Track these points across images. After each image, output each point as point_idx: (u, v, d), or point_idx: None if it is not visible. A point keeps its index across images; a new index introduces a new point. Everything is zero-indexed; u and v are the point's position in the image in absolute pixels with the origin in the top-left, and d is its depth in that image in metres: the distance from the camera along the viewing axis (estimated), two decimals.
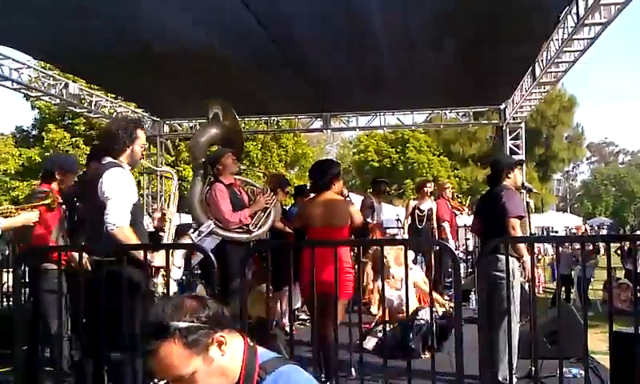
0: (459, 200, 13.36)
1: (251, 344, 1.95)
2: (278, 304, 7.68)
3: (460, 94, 10.67)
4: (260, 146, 29.55)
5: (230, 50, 7.56)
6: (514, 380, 4.93)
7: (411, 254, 6.38)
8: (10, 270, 6.86)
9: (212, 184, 6.35)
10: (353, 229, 5.23)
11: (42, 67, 10.73)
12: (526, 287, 6.05)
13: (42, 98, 11.05)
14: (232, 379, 1.86)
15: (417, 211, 9.76)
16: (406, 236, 9.74)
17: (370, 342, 6.27)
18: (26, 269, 5.00)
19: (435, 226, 9.87)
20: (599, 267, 16.69)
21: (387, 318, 6.47)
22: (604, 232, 36.83)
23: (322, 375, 5.05)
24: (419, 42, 7.49)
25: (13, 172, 24.78)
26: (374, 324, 6.92)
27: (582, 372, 4.44)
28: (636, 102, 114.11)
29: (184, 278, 6.08)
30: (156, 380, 1.87)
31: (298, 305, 7.60)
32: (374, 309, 8.00)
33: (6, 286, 7.90)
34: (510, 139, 11.59)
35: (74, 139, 24.50)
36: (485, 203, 5.76)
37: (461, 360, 3.75)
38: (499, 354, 5.10)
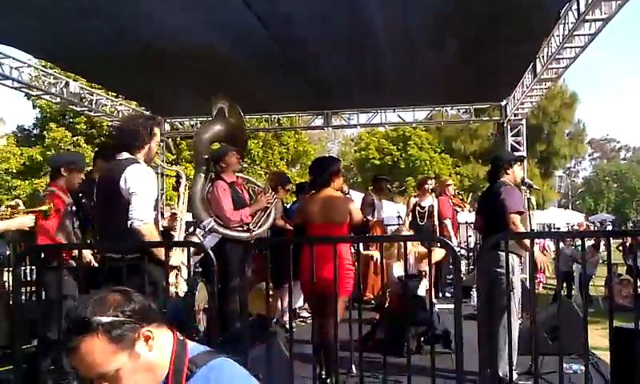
0: (460, 197, 13.36)
1: (181, 338, 1.89)
2: (279, 301, 7.69)
3: (461, 92, 10.65)
4: (261, 143, 29.54)
5: (230, 49, 7.56)
6: (515, 376, 4.93)
7: None
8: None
9: (214, 181, 6.37)
10: (352, 226, 5.24)
11: (43, 66, 10.72)
12: (527, 284, 6.06)
13: (42, 96, 11.04)
14: (160, 375, 1.80)
15: (417, 208, 9.77)
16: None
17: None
18: (28, 268, 5.02)
19: (437, 223, 9.89)
20: (600, 264, 16.70)
21: (388, 300, 6.45)
22: (609, 228, 36.78)
23: (323, 372, 5.07)
24: (419, 39, 7.47)
25: (14, 171, 24.81)
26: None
27: (583, 368, 4.43)
28: (637, 98, 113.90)
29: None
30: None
31: (300, 303, 7.61)
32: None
33: (7, 285, 7.91)
34: (511, 136, 11.56)
35: (75, 138, 24.52)
36: (485, 200, 5.77)
37: (461, 356, 3.75)
38: (499, 350, 5.11)
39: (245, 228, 6.23)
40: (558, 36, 7.49)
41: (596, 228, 33.08)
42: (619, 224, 50.87)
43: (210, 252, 4.11)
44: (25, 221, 4.57)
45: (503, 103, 11.58)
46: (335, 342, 4.65)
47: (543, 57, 8.45)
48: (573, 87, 47.11)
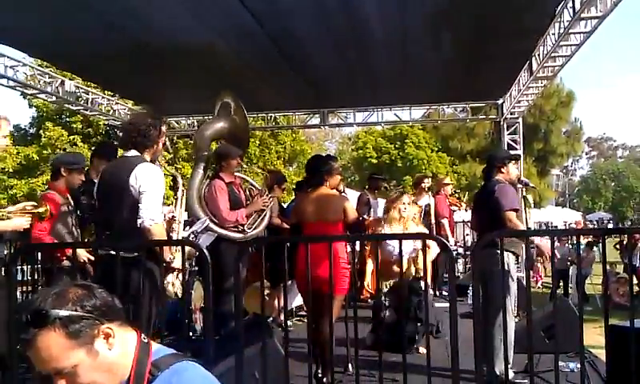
0: (457, 196, 13.37)
1: (145, 340, 1.82)
2: (276, 301, 7.67)
3: (457, 90, 10.65)
4: (258, 142, 29.51)
5: (227, 48, 7.54)
6: (511, 374, 4.93)
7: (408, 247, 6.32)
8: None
9: (212, 180, 6.36)
10: (348, 224, 5.22)
11: (39, 65, 10.70)
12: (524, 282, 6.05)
13: (38, 96, 11.00)
14: (121, 376, 1.73)
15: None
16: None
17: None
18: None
19: (433, 221, 9.87)
20: (597, 262, 16.72)
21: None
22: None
23: (319, 371, 5.06)
24: (416, 37, 7.46)
25: (11, 170, 24.77)
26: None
27: (580, 366, 4.43)
28: (634, 97, 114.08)
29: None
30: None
31: (299, 301, 7.60)
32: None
33: None
34: (508, 134, 11.57)
35: (71, 137, 24.47)
36: (480, 198, 5.78)
37: (456, 354, 3.74)
38: (495, 348, 5.11)
39: (239, 229, 6.22)
40: (554, 34, 7.49)
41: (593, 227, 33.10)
42: (616, 222, 51.00)
43: (205, 251, 4.09)
44: (21, 222, 4.56)
45: (500, 102, 11.59)
46: (331, 341, 4.65)
47: (539, 55, 8.45)
48: (569, 86, 47.29)
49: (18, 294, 5.21)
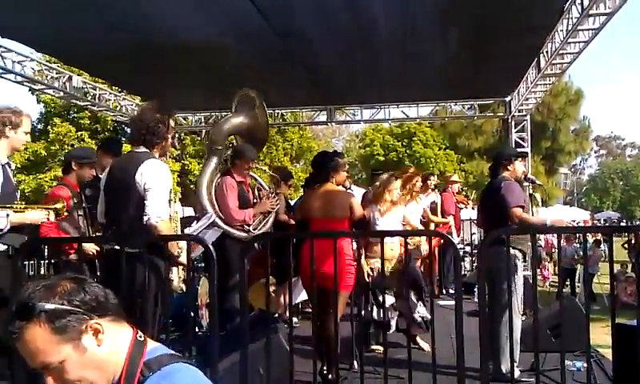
0: (465, 194, 13.33)
1: (141, 338, 1.74)
2: (282, 297, 7.67)
3: (465, 87, 10.61)
4: None
5: (233, 43, 7.53)
6: (517, 372, 4.91)
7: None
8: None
9: (223, 176, 6.35)
10: (354, 221, 5.20)
11: (47, 61, 10.71)
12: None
13: (46, 91, 11.03)
14: (112, 373, 1.66)
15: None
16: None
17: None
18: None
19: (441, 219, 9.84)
20: (604, 261, 16.64)
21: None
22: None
23: (324, 368, 5.05)
24: (423, 34, 7.44)
25: (19, 166, 24.84)
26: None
27: (586, 364, 4.40)
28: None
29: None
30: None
31: (303, 297, 7.60)
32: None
33: None
34: (516, 132, 11.52)
35: (79, 133, 24.56)
36: (486, 196, 5.75)
37: (462, 352, 3.72)
38: (501, 346, 5.09)
39: (245, 228, 6.22)
40: (562, 31, 7.45)
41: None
42: (625, 222, 50.73)
43: (211, 247, 4.09)
44: (38, 215, 4.59)
45: (507, 99, 11.54)
46: (336, 338, 4.64)
47: (547, 52, 8.41)
48: (578, 84, 47.05)
49: None
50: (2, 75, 8.64)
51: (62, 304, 1.59)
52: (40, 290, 1.60)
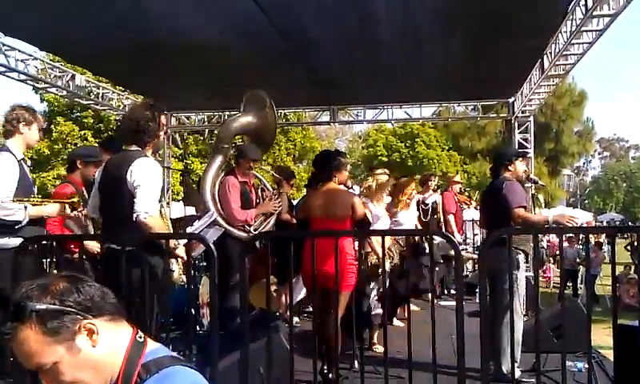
0: (467, 194, 13.31)
1: (140, 339, 1.69)
2: (283, 296, 7.67)
3: (468, 88, 10.59)
4: None
5: (237, 43, 7.53)
6: (518, 373, 4.90)
7: None
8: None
9: (226, 175, 6.36)
10: (355, 221, 5.18)
11: (51, 60, 10.72)
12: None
13: (49, 90, 11.05)
14: (108, 375, 1.62)
15: (421, 205, 9.71)
16: None
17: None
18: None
19: (442, 218, 9.84)
20: (607, 262, 16.62)
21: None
22: None
23: (324, 367, 5.05)
24: (426, 35, 7.43)
25: None
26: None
27: (587, 365, 4.39)
28: None
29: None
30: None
31: (303, 294, 7.60)
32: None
33: None
34: (519, 133, 11.50)
35: (82, 132, 24.59)
36: (488, 196, 5.75)
37: (462, 352, 3.72)
38: (503, 347, 5.08)
39: (246, 229, 6.22)
40: (566, 32, 7.43)
41: None
42: (628, 224, 50.61)
43: (212, 245, 4.09)
44: (55, 210, 4.67)
45: (511, 100, 11.52)
46: (337, 337, 4.64)
47: (551, 53, 8.40)
48: (582, 85, 46.97)
49: None
50: (6, 73, 8.64)
51: (54, 304, 1.55)
52: (33, 290, 1.57)
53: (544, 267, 19.56)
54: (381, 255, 4.25)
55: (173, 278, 4.40)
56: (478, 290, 8.48)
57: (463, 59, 8.38)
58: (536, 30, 7.29)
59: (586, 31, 7.12)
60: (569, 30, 7.28)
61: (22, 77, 8.94)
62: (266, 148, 7.48)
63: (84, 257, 5.16)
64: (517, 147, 10.83)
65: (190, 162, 25.69)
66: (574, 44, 7.55)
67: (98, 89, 10.91)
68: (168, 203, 13.23)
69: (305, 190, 10.09)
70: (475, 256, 12.71)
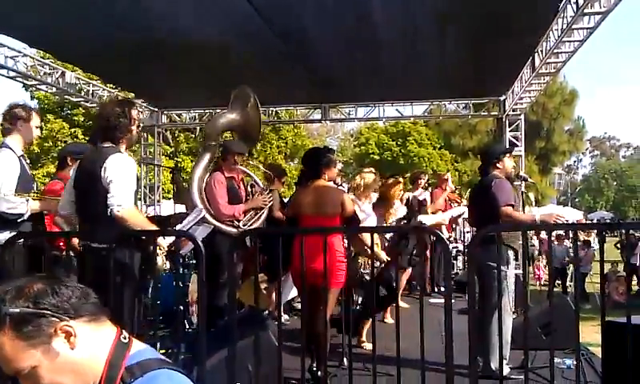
0: (458, 193, 13.32)
1: (125, 340, 1.63)
2: (273, 294, 7.65)
3: (459, 86, 10.61)
4: (259, 137, 29.42)
5: (229, 41, 7.52)
6: (506, 370, 4.91)
7: None
8: None
9: (212, 172, 6.35)
10: (345, 218, 5.17)
11: (41, 57, 10.66)
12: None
13: (39, 87, 10.98)
14: (90, 378, 1.56)
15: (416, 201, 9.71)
16: None
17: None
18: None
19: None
20: (597, 260, 16.70)
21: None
22: None
23: (313, 364, 5.04)
24: (418, 33, 7.43)
25: None
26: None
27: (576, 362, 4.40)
28: (637, 97, 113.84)
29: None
30: None
31: (294, 294, 7.59)
32: None
33: None
34: (510, 131, 11.52)
35: (72, 130, 24.50)
36: (476, 194, 5.74)
37: (451, 349, 3.72)
38: (492, 344, 5.08)
39: (234, 224, 6.20)
40: (557, 30, 7.44)
41: None
42: (618, 221, 50.87)
43: (200, 243, 4.07)
44: (53, 204, 4.74)
45: (502, 98, 11.54)
46: (326, 334, 4.62)
47: (542, 51, 8.41)
48: (573, 84, 47.18)
49: None
50: None
51: (28, 307, 1.50)
52: (7, 294, 1.51)
53: (536, 263, 19.61)
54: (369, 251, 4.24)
55: (159, 266, 4.40)
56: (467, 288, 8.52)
57: (455, 57, 8.40)
58: (527, 28, 7.30)
59: (577, 29, 7.13)
60: (560, 27, 7.29)
61: (12, 74, 8.88)
62: (252, 144, 7.47)
63: (71, 254, 5.12)
64: (507, 145, 10.84)
65: (180, 159, 25.63)
66: (564, 42, 7.56)
67: (89, 86, 10.86)
68: (158, 201, 13.21)
69: (295, 188, 10.08)
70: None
